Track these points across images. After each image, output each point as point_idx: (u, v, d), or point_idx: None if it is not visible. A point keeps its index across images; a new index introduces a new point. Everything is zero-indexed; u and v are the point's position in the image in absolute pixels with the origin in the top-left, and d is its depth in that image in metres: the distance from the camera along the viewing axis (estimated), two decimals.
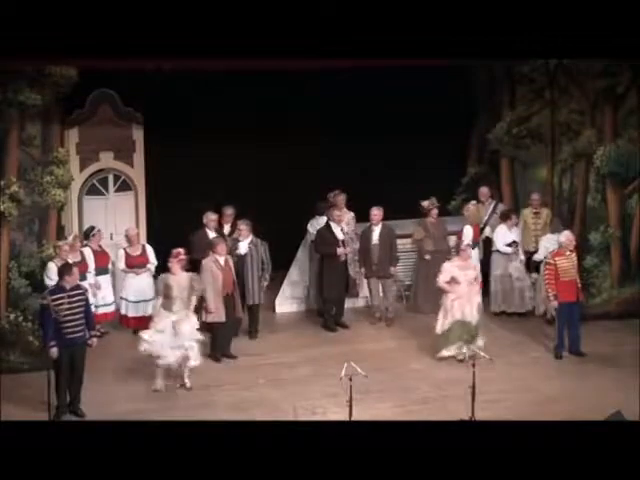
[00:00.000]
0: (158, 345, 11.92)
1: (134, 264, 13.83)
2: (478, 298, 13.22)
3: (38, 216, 13.05)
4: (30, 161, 12.93)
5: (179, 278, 12.20)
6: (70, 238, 13.42)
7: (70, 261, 12.69)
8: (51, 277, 12.48)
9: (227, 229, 14.48)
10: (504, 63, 15.11)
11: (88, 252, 13.49)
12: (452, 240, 15.17)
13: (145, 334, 12.00)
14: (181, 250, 12.45)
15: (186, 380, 12.12)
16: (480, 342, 12.80)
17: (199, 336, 12.22)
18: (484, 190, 15.58)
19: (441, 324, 13.05)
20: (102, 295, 13.59)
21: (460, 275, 13.11)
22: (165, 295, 12.14)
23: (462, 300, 13.01)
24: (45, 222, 13.14)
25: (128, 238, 13.95)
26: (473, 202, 15.17)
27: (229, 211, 14.45)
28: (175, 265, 12.25)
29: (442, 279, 13.19)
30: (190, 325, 12.14)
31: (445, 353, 12.96)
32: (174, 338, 11.98)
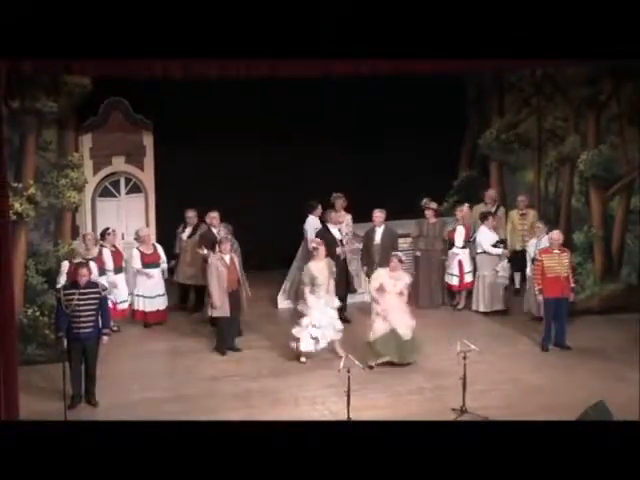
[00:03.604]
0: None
1: (148, 262, 14.15)
2: (408, 317, 12.79)
3: (54, 217, 13.24)
4: (46, 165, 13.11)
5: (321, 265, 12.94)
6: (89, 237, 13.69)
7: (88, 257, 13.11)
8: (61, 271, 12.96)
9: (188, 230, 14.76)
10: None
11: (107, 252, 13.76)
12: None
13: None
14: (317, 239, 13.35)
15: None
16: (413, 359, 12.72)
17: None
18: (491, 193, 15.76)
19: (372, 333, 12.72)
20: (117, 293, 13.85)
21: (389, 284, 12.81)
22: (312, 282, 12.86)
23: (391, 312, 12.67)
24: (60, 222, 13.34)
25: (140, 238, 14.23)
26: (466, 204, 15.41)
27: (190, 213, 14.67)
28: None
29: (372, 287, 12.91)
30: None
31: (372, 363, 12.57)
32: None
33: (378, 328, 12.72)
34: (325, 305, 12.90)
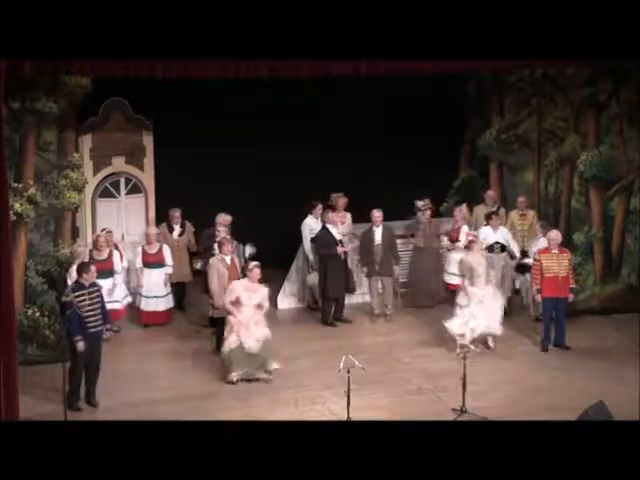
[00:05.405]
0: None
1: (150, 262, 14.20)
2: (260, 329, 12.34)
3: (54, 217, 13.22)
4: (46, 165, 13.07)
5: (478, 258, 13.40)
6: (102, 239, 13.66)
7: (99, 258, 13.22)
8: (71, 275, 12.81)
9: (178, 229, 14.84)
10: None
11: (117, 254, 13.80)
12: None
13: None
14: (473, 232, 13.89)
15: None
16: (273, 367, 12.35)
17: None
18: (491, 194, 15.74)
19: (226, 345, 12.29)
20: (116, 292, 13.77)
21: (245, 297, 12.37)
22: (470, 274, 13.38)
23: (243, 325, 12.25)
24: (60, 223, 13.32)
25: (147, 237, 14.29)
26: (464, 204, 15.35)
27: (177, 213, 14.79)
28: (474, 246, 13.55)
29: (227, 299, 12.37)
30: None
31: (231, 377, 12.24)
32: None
33: (230, 342, 12.25)
34: (484, 297, 13.25)
